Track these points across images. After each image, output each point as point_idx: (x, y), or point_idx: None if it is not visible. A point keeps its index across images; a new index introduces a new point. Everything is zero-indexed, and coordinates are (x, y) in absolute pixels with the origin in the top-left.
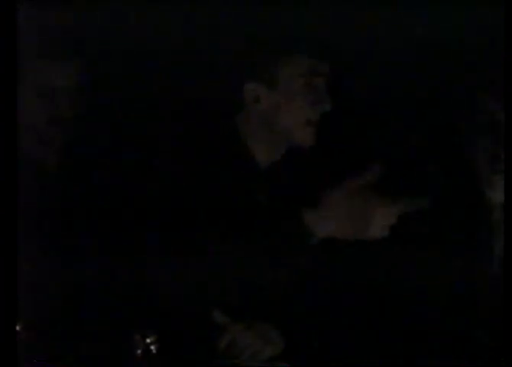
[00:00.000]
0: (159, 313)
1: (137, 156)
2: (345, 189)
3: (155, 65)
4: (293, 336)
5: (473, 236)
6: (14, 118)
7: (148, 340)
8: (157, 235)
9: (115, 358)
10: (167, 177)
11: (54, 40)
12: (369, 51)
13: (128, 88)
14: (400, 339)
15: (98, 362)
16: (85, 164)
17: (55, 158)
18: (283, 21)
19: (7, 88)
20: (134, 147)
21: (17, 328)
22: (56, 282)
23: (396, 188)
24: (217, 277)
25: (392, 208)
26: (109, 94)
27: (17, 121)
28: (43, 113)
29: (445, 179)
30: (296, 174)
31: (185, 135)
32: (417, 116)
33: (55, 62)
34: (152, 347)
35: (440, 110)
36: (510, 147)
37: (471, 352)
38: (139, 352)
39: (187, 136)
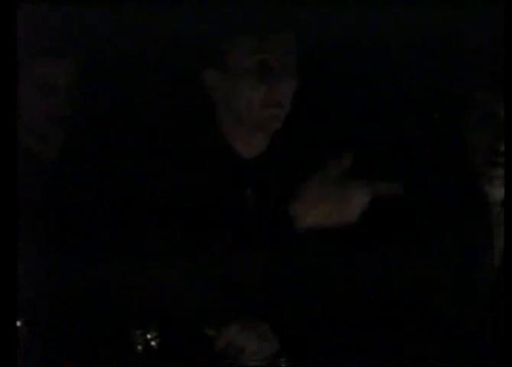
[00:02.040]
0: (159, 309)
1: (137, 154)
2: (324, 177)
3: (153, 64)
4: (290, 334)
5: (472, 232)
6: (14, 115)
7: (149, 336)
8: (157, 232)
9: (116, 354)
10: (167, 175)
11: (54, 39)
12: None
13: (127, 86)
14: (398, 338)
15: (99, 358)
16: (85, 161)
17: (55, 156)
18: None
19: (7, 86)
20: (134, 145)
21: (18, 324)
22: (56, 279)
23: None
24: (213, 274)
25: (366, 191)
26: (108, 92)
27: (18, 119)
28: (43, 111)
29: (444, 174)
30: (282, 164)
31: (170, 132)
32: (415, 110)
33: (55, 60)
34: (153, 343)
35: (439, 105)
36: (509, 143)
37: (470, 353)
38: (140, 348)
39: (172, 132)
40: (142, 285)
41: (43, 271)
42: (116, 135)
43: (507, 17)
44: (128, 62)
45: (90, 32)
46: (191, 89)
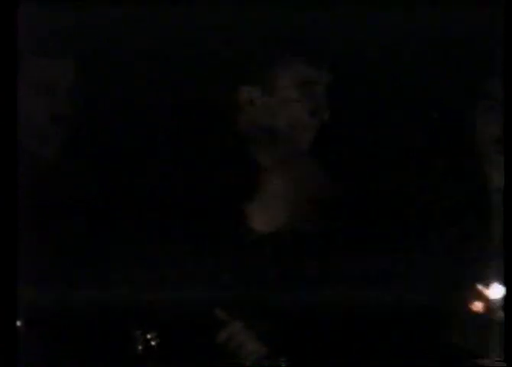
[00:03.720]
0: (160, 309)
1: (136, 154)
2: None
3: (154, 64)
4: (291, 334)
5: (473, 217)
6: (15, 115)
7: (149, 336)
8: (157, 231)
9: (116, 354)
10: (167, 176)
11: (54, 39)
12: (369, 48)
13: (126, 86)
14: (398, 338)
15: (99, 358)
16: (85, 161)
17: (55, 156)
18: (286, 27)
19: (7, 86)
20: (134, 146)
21: (18, 324)
22: (56, 279)
23: None
24: (218, 274)
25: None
26: (108, 92)
27: (18, 119)
28: (43, 111)
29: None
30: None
31: (185, 134)
32: (420, 103)
33: (55, 60)
34: (153, 343)
35: (443, 97)
36: (510, 142)
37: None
38: (140, 348)
39: (187, 135)
40: (142, 285)
41: (43, 271)
42: (116, 135)
43: (507, 17)
44: (127, 61)
45: (90, 32)
46: (193, 91)
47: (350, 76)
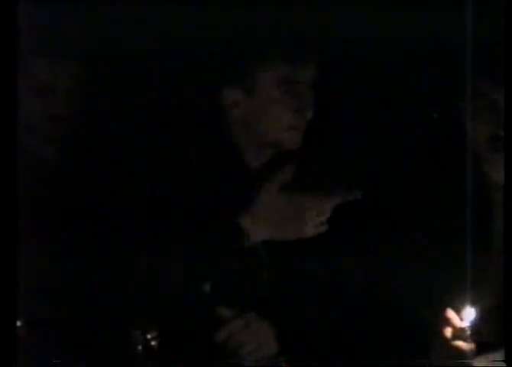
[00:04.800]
0: (160, 309)
1: (137, 154)
2: (273, 190)
3: (153, 64)
4: (291, 334)
5: (473, 215)
6: (15, 115)
7: (149, 336)
8: (157, 231)
9: (116, 354)
10: (164, 177)
11: (54, 39)
12: (363, 46)
13: (125, 86)
14: (398, 338)
15: (99, 358)
16: (85, 161)
17: (55, 156)
18: (264, 25)
19: (7, 86)
20: (134, 146)
21: (18, 324)
22: (56, 279)
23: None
24: (217, 274)
25: (326, 202)
26: (108, 92)
27: (17, 119)
28: (43, 111)
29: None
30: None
31: (178, 135)
32: (419, 100)
33: (55, 60)
34: (153, 343)
35: (440, 96)
36: (509, 140)
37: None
38: (140, 348)
39: (180, 136)
40: (142, 285)
41: (43, 270)
42: (116, 135)
43: (507, 17)
44: (128, 62)
45: (90, 32)
46: (194, 92)
47: (337, 74)
